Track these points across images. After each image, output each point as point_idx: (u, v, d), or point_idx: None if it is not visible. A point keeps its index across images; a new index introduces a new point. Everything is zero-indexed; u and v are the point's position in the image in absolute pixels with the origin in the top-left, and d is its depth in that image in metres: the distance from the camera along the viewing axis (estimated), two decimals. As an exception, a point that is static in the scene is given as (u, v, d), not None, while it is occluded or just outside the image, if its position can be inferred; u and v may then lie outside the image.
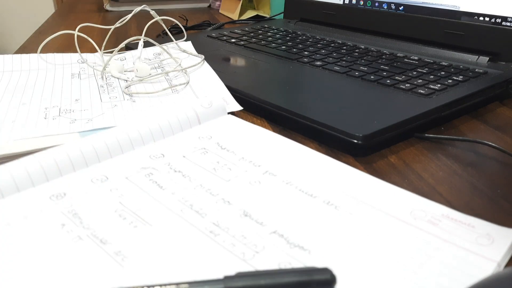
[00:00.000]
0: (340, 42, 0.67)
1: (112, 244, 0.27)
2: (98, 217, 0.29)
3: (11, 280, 0.24)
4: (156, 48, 0.65)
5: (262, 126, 0.44)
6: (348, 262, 0.25)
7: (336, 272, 0.24)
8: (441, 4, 0.61)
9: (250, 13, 1.00)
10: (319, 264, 0.25)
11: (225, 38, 0.72)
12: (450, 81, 0.49)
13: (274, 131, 0.43)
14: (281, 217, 0.29)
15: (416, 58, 0.58)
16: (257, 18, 0.98)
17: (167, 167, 0.35)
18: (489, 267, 0.24)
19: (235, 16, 1.01)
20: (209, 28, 0.84)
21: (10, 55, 0.61)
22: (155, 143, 0.39)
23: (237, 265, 0.25)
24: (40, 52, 0.62)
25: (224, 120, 0.44)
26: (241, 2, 1.00)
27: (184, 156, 0.37)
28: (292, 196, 0.32)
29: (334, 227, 0.28)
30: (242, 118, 0.46)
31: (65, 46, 0.78)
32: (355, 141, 0.37)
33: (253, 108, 0.47)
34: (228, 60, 0.61)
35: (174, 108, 0.42)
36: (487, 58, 0.56)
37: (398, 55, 0.60)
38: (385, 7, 0.69)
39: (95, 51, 0.71)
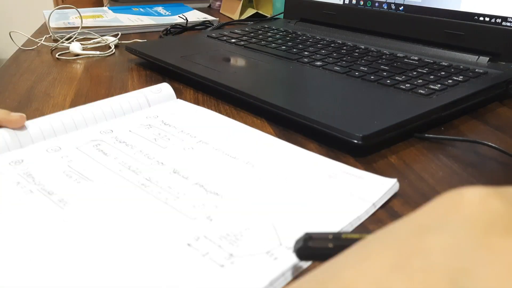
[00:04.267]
0: (340, 42, 0.67)
1: (57, 194, 0.33)
2: (48, 176, 0.35)
3: None
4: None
5: (262, 126, 0.44)
6: (256, 204, 0.31)
7: (246, 210, 0.30)
8: (441, 4, 0.61)
9: (250, 11, 1.00)
10: (226, 205, 0.31)
11: (225, 38, 0.72)
12: (450, 81, 0.49)
13: (274, 131, 0.43)
14: (204, 173, 0.35)
15: (416, 58, 0.58)
16: (257, 18, 0.98)
17: (114, 139, 0.41)
18: (365, 206, 0.31)
19: (235, 16, 1.01)
20: (209, 28, 0.84)
21: None
22: (107, 121, 0.44)
23: (155, 208, 0.31)
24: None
25: (173, 103, 0.49)
26: (241, 2, 1.00)
27: (130, 131, 0.43)
28: (218, 158, 0.38)
29: (248, 179, 0.34)
30: (242, 118, 0.46)
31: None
32: (355, 141, 0.37)
33: (253, 108, 0.47)
34: (228, 60, 0.61)
35: (127, 94, 0.48)
36: (487, 58, 0.56)
37: (398, 55, 0.60)
38: (385, 7, 0.69)
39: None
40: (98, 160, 0.37)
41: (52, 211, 0.31)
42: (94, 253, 0.26)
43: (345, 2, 0.75)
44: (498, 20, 0.56)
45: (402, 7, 0.66)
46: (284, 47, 0.65)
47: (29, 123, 0.41)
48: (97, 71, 0.64)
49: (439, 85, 0.47)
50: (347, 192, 0.32)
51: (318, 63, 0.57)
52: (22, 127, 0.40)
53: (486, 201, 0.16)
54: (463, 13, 0.59)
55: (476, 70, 0.52)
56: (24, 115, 0.41)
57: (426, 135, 0.42)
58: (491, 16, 0.56)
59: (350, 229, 0.29)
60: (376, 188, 0.33)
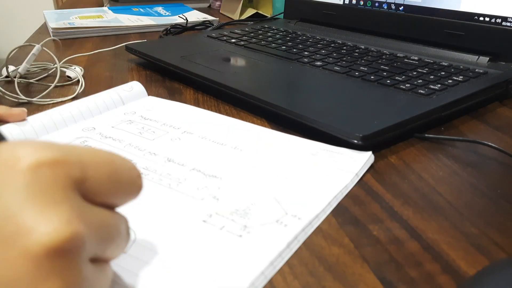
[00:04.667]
0: (340, 42, 0.67)
1: None
2: None
3: None
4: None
5: (262, 126, 0.44)
6: (254, 182, 0.34)
7: (247, 189, 0.33)
8: (441, 4, 0.61)
9: (250, 11, 1.00)
10: (228, 186, 0.33)
11: (225, 38, 0.72)
12: (450, 81, 0.49)
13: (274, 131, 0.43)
14: (198, 159, 0.37)
15: (416, 58, 0.58)
16: (257, 18, 0.98)
17: (99, 135, 0.42)
18: (350, 176, 0.34)
19: (235, 16, 1.01)
20: (209, 28, 0.84)
21: None
22: (85, 120, 0.45)
23: (161, 193, 0.32)
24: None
25: (145, 100, 0.50)
26: (241, 2, 1.00)
27: (112, 127, 0.44)
28: (206, 146, 0.40)
29: (240, 162, 0.37)
30: (242, 118, 0.46)
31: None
32: (355, 141, 0.37)
33: (253, 108, 0.47)
34: (228, 60, 0.61)
35: (100, 93, 0.48)
36: (487, 58, 0.56)
37: (398, 55, 0.60)
38: (385, 7, 0.69)
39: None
40: None
41: None
42: None
43: (345, 2, 0.75)
44: (498, 20, 0.56)
45: (402, 7, 0.66)
46: (284, 47, 0.65)
47: (9, 126, 0.40)
48: (97, 71, 0.64)
49: (439, 85, 0.47)
50: (331, 166, 0.36)
51: (318, 63, 0.57)
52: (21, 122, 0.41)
53: (39, 168, 0.18)
54: (463, 13, 0.59)
55: (476, 70, 0.52)
56: (25, 109, 0.41)
57: (426, 135, 0.42)
58: (491, 16, 0.56)
59: (341, 197, 0.33)
60: (356, 160, 0.37)
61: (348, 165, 0.36)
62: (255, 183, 0.34)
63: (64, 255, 0.17)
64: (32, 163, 0.18)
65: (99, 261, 0.20)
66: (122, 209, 0.22)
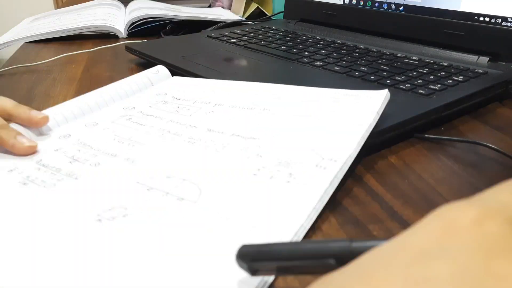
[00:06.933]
0: (340, 42, 0.67)
1: (119, 155, 0.37)
2: (103, 143, 0.39)
3: None
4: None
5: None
6: (289, 137, 0.37)
7: (284, 144, 0.36)
8: (441, 4, 0.61)
9: (253, 7, 1.00)
10: (266, 144, 0.37)
11: (225, 38, 0.72)
12: (450, 81, 0.49)
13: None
14: (234, 126, 0.40)
15: (416, 58, 0.58)
16: (258, 16, 0.98)
17: (140, 114, 0.45)
18: (372, 116, 0.37)
19: (240, 13, 1.02)
20: (209, 28, 0.84)
21: None
22: (122, 101, 0.48)
23: (211, 155, 0.36)
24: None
25: (172, 80, 0.53)
26: (244, 0, 1.00)
27: (150, 106, 0.46)
28: (238, 113, 0.43)
29: (271, 122, 0.40)
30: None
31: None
32: (355, 141, 0.37)
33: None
34: (228, 60, 0.61)
35: (130, 77, 0.51)
36: (487, 58, 0.56)
37: (398, 55, 0.60)
38: (385, 8, 0.69)
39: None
40: (137, 128, 0.41)
41: (125, 167, 0.35)
42: (183, 185, 0.32)
43: (345, 2, 0.75)
44: (498, 20, 0.56)
45: (402, 7, 0.66)
46: (284, 47, 0.65)
47: (67, 105, 0.44)
48: (97, 71, 0.64)
49: (439, 85, 0.47)
50: (353, 107, 0.40)
51: (318, 63, 0.57)
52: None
53: (481, 224, 0.16)
54: (463, 13, 0.59)
55: (476, 70, 0.52)
56: (47, 115, 0.41)
57: (426, 135, 0.42)
58: (491, 16, 0.56)
59: (367, 136, 0.36)
60: (374, 99, 0.40)
61: (368, 105, 0.39)
62: (288, 137, 0.37)
63: None
64: (472, 215, 0.17)
65: None
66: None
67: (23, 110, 0.40)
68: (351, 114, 0.38)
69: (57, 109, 0.43)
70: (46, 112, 0.42)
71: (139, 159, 0.36)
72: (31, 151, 0.37)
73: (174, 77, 0.54)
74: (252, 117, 0.42)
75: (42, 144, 0.39)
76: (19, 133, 0.38)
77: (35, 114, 0.40)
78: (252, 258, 0.22)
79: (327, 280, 0.17)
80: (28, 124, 0.40)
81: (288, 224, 0.28)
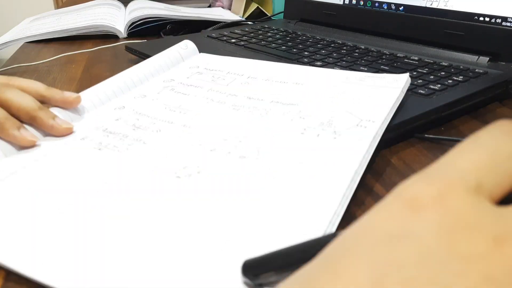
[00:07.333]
0: (340, 42, 0.67)
1: (176, 122, 0.40)
2: (157, 112, 0.42)
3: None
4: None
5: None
6: (324, 103, 0.41)
7: (321, 108, 0.40)
8: (441, 4, 0.61)
9: (253, 7, 1.00)
10: (305, 110, 0.40)
11: (225, 38, 0.72)
12: (450, 81, 0.49)
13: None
14: (271, 94, 0.44)
15: (416, 58, 0.58)
16: (258, 17, 0.98)
17: (181, 84, 0.48)
18: (398, 91, 0.41)
19: (240, 14, 1.01)
20: (209, 28, 0.84)
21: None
22: (159, 75, 0.51)
23: (257, 119, 0.39)
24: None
25: (200, 56, 0.57)
26: (244, 0, 1.00)
27: (187, 78, 0.50)
28: (273, 85, 0.46)
29: (306, 92, 0.44)
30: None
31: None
32: (355, 141, 0.37)
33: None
34: (228, 60, 0.61)
35: (162, 53, 0.54)
36: (487, 58, 0.56)
37: (398, 55, 0.59)
38: (385, 8, 0.69)
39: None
40: (183, 98, 0.45)
41: (182, 133, 0.38)
42: (241, 145, 0.35)
43: (345, 2, 0.75)
44: (498, 20, 0.56)
45: (402, 7, 0.66)
46: (284, 47, 0.65)
47: (115, 79, 0.47)
48: (97, 71, 0.64)
49: (439, 85, 0.47)
50: (380, 84, 0.43)
51: (318, 63, 0.57)
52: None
53: (442, 200, 0.16)
54: (463, 13, 0.59)
55: (476, 70, 0.52)
56: (80, 95, 0.42)
57: (426, 135, 0.42)
58: (491, 16, 0.56)
59: (396, 107, 0.39)
60: (398, 80, 0.43)
61: (393, 83, 0.42)
62: (326, 103, 0.41)
63: None
64: (432, 192, 0.17)
65: None
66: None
67: (56, 92, 0.41)
68: (379, 88, 0.42)
69: (105, 84, 0.46)
70: (96, 87, 0.45)
71: (194, 124, 0.40)
72: (68, 132, 0.39)
73: (202, 53, 0.58)
74: (287, 89, 0.45)
75: (101, 115, 0.42)
76: (56, 115, 0.39)
77: (68, 94, 0.41)
78: (254, 273, 0.22)
79: (298, 273, 0.17)
80: (63, 104, 0.41)
81: (338, 177, 0.30)
